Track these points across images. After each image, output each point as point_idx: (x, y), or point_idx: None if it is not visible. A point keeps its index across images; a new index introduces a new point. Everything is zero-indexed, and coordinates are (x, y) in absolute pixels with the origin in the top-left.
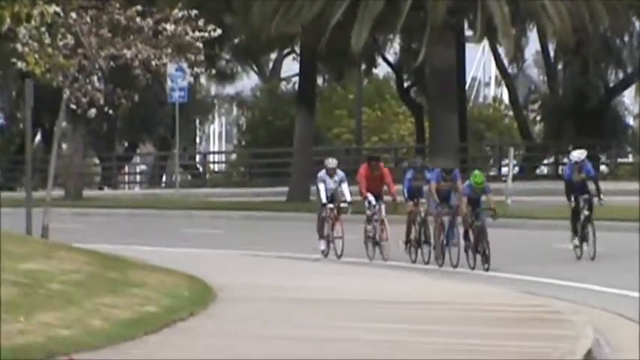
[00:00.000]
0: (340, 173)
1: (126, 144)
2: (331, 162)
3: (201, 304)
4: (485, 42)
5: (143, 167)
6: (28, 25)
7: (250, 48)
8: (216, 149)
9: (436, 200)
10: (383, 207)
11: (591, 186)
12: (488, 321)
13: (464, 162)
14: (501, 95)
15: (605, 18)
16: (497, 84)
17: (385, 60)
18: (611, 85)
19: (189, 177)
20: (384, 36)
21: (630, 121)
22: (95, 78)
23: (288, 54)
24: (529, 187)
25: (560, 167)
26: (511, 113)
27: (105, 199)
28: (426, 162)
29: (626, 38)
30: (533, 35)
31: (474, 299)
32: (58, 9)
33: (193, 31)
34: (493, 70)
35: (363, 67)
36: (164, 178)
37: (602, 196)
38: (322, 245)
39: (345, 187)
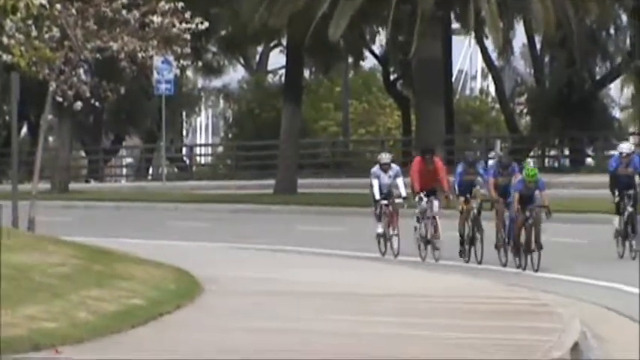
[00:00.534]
0: (395, 167)
1: (112, 137)
2: (385, 157)
3: (188, 297)
4: (472, 34)
5: (129, 160)
6: (13, 18)
7: (237, 40)
8: (202, 142)
9: (495, 197)
10: (436, 203)
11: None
12: (477, 313)
13: (450, 154)
14: (488, 88)
15: (592, 10)
16: (484, 77)
17: (372, 52)
18: (598, 77)
19: (176, 170)
20: (371, 28)
21: (617, 113)
22: (81, 70)
23: (275, 46)
24: None
25: (547, 160)
26: (498, 106)
27: (91, 192)
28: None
29: (612, 30)
30: (519, 28)
31: (462, 292)
32: (43, 1)
33: (180, 24)
34: (480, 63)
35: (350, 59)
36: (150, 171)
37: None
38: (380, 228)
39: (400, 181)
